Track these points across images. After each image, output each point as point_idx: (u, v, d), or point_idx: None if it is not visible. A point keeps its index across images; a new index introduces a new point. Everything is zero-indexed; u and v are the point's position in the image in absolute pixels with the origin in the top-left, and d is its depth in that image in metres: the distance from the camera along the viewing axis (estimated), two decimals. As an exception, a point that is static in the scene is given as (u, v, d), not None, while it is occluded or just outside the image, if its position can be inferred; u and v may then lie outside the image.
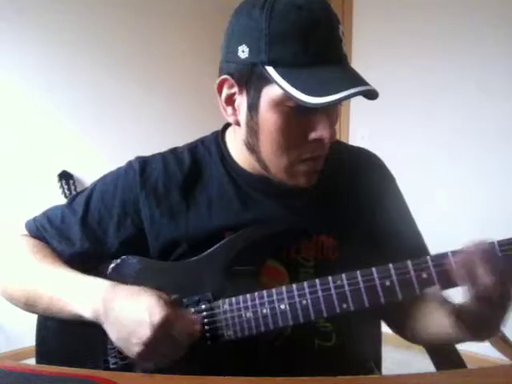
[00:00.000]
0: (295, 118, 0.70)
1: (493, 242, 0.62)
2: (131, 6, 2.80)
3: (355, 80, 0.67)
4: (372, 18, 2.75)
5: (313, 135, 0.71)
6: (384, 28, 2.69)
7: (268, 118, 0.71)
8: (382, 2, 2.71)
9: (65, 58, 2.61)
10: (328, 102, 0.64)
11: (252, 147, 0.76)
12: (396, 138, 2.64)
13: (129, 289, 0.72)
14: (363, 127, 2.76)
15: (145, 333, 0.66)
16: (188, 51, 3.03)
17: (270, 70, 0.67)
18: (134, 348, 0.68)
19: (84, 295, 0.74)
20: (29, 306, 0.81)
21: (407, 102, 2.60)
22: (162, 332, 0.66)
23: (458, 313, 0.67)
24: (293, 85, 0.66)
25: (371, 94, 0.67)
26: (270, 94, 0.69)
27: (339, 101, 0.64)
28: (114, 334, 0.70)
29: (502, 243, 0.62)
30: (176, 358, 0.69)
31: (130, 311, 0.68)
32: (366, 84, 0.66)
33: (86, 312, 0.72)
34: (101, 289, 0.73)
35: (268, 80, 0.68)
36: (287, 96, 0.67)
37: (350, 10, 2.81)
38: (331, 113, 0.72)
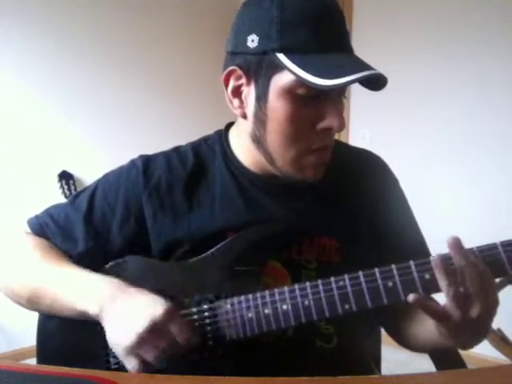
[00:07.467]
0: (304, 106, 0.70)
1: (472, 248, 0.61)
2: (130, 6, 2.80)
3: (365, 66, 0.67)
4: (371, 20, 2.75)
5: (322, 124, 0.71)
6: (384, 30, 2.69)
7: (277, 106, 0.71)
8: (381, 3, 2.71)
9: (65, 59, 2.61)
10: (340, 84, 0.64)
11: (259, 140, 0.75)
12: (396, 138, 2.65)
13: (135, 289, 0.72)
14: (364, 128, 2.76)
15: (143, 323, 0.65)
16: (188, 51, 3.04)
17: (281, 56, 0.67)
18: (126, 341, 0.65)
19: (89, 292, 0.73)
20: (32, 303, 0.79)
21: (407, 103, 2.60)
22: (162, 324, 0.65)
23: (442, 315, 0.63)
24: (305, 69, 0.66)
25: (380, 82, 0.68)
26: (279, 81, 0.69)
27: (351, 83, 0.65)
28: (110, 327, 0.69)
29: (481, 248, 0.62)
30: (172, 352, 0.67)
31: (132, 306, 0.68)
32: (376, 70, 0.67)
33: (91, 309, 0.71)
34: (106, 286, 0.73)
35: (278, 67, 0.68)
36: (297, 83, 0.67)
37: (349, 11, 2.81)
38: (339, 103, 0.72)
